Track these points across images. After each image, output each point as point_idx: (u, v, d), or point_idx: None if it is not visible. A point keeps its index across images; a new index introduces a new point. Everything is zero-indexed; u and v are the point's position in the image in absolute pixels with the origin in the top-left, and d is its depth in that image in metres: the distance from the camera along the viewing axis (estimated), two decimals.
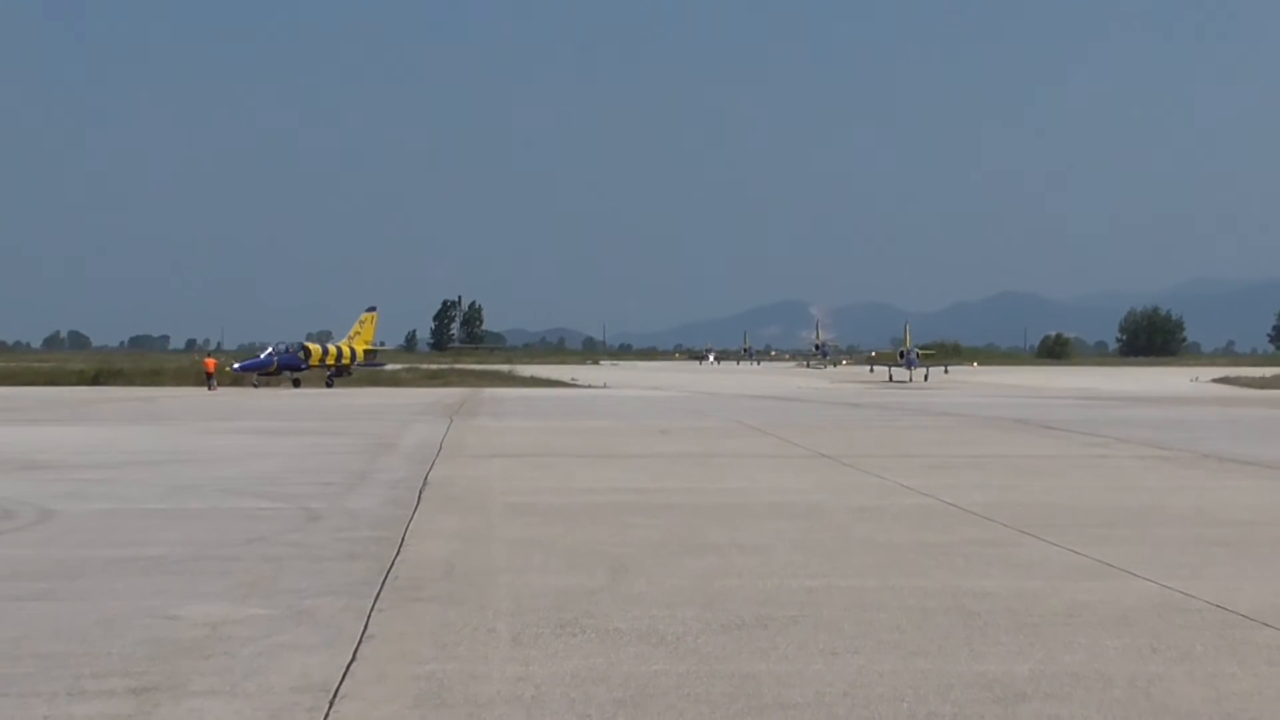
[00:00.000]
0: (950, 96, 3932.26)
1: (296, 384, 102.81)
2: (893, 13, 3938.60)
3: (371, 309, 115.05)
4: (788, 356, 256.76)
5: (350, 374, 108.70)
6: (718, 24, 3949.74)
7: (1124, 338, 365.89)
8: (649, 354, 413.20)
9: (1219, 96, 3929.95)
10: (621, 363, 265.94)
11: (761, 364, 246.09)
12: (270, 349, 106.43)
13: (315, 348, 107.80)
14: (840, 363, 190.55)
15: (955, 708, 11.04)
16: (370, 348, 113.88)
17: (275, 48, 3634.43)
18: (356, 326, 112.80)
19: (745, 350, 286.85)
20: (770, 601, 15.46)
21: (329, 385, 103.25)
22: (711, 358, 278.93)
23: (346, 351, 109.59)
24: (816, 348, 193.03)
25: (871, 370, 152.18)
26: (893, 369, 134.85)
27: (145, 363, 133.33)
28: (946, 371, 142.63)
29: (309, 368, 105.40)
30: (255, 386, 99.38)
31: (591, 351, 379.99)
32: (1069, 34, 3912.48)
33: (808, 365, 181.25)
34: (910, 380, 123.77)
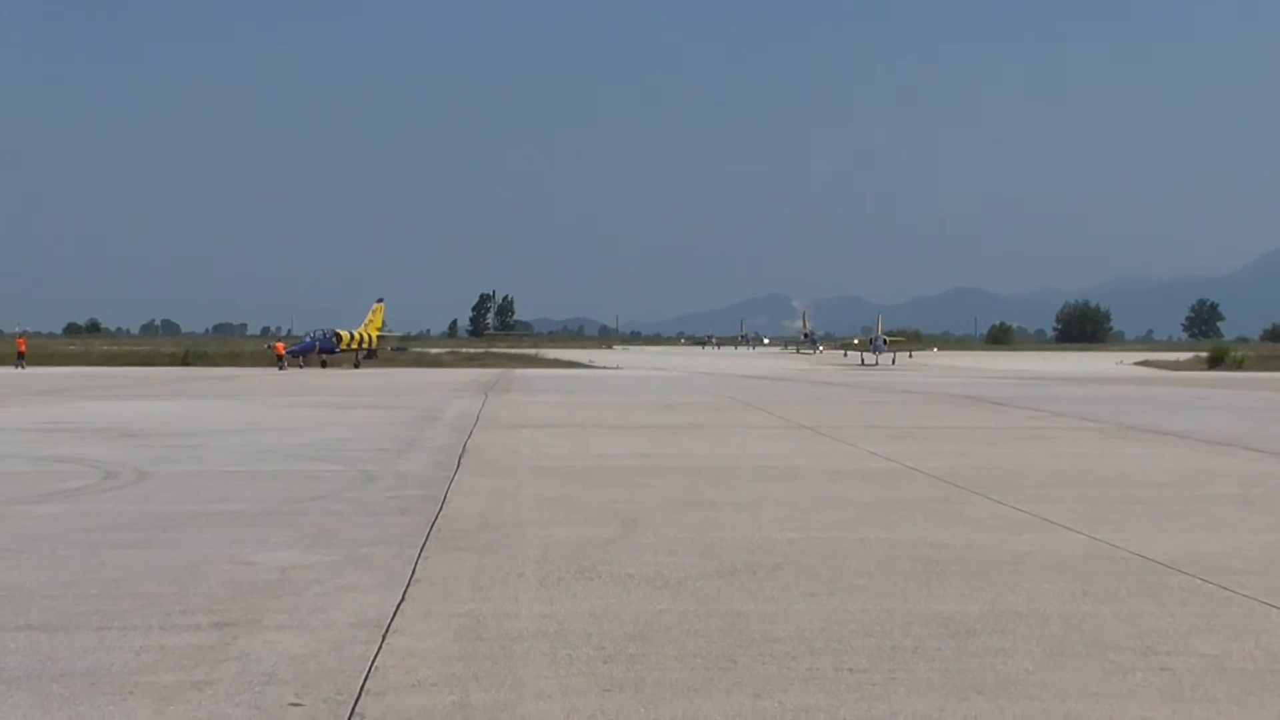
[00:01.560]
0: (913, 112, 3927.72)
1: (324, 365, 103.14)
2: (876, 19, 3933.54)
3: (380, 300, 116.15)
4: (782, 344, 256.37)
5: (376, 356, 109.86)
6: (699, 39, 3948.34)
7: (1059, 327, 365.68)
8: (655, 340, 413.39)
9: (1139, 108, 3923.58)
10: (632, 347, 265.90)
11: (756, 349, 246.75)
12: (309, 335, 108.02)
13: (345, 334, 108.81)
14: (818, 349, 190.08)
15: (915, 641, 11.03)
16: (382, 334, 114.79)
17: (353, 43, 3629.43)
18: (370, 315, 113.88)
19: (743, 337, 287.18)
20: (758, 550, 15.45)
21: (356, 366, 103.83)
22: (714, 343, 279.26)
23: (367, 337, 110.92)
24: (806, 336, 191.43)
25: (845, 355, 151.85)
26: (864, 354, 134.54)
27: (226, 346, 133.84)
28: (911, 356, 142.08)
29: (340, 352, 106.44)
30: (300, 368, 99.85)
31: (606, 338, 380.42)
32: (1001, 55, 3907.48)
33: (798, 352, 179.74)
34: (877, 364, 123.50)
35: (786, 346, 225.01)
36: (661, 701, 9.33)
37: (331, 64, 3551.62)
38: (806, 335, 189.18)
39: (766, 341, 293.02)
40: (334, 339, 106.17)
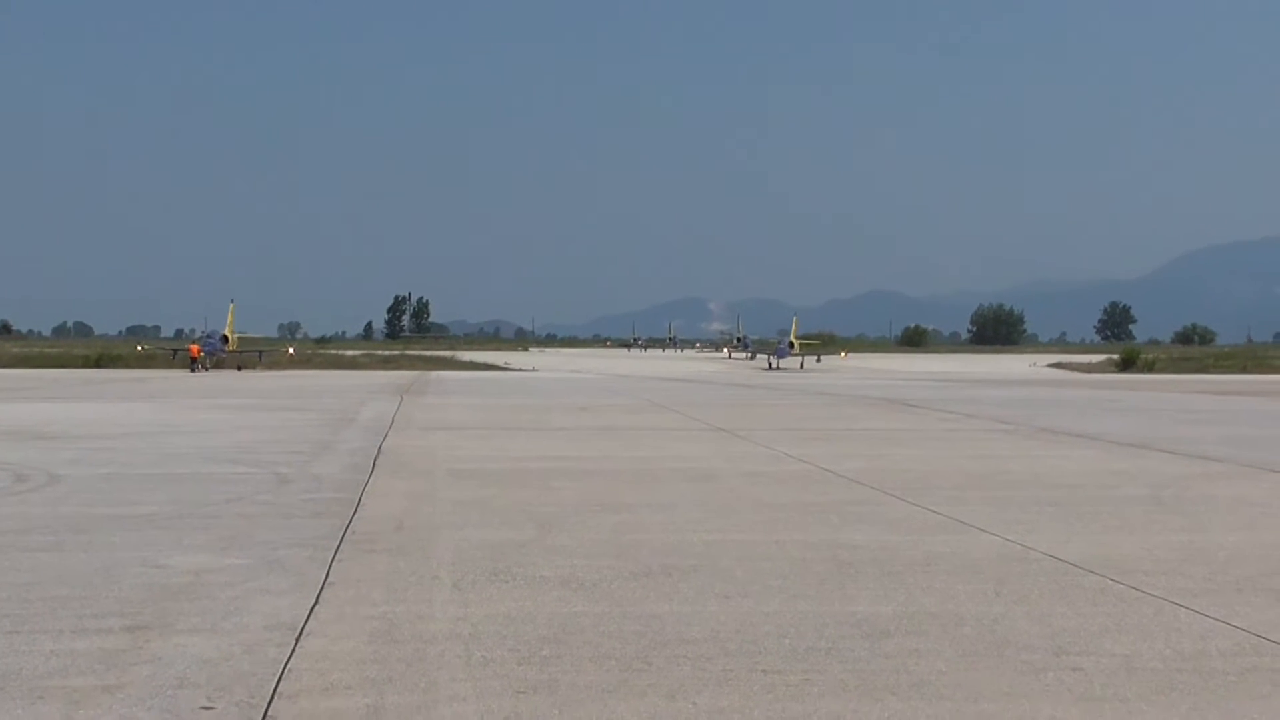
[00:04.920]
0: (829, 114, 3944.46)
1: (207, 369, 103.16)
2: (791, 20, 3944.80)
3: (231, 301, 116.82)
4: (713, 346, 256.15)
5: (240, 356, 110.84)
6: (633, 37, 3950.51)
7: (974, 329, 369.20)
8: (572, 342, 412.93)
9: (1054, 113, 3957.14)
10: (549, 350, 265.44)
11: (684, 351, 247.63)
12: (203, 335, 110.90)
13: (231, 335, 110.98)
14: (725, 351, 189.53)
15: (830, 643, 11.07)
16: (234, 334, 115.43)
17: (226, 49, 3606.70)
18: (229, 318, 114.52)
19: (671, 339, 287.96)
20: (674, 552, 15.47)
21: (239, 369, 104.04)
22: (641, 345, 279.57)
23: (232, 339, 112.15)
24: (738, 340, 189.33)
25: (753, 357, 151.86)
26: (770, 358, 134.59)
27: (146, 348, 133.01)
28: (819, 360, 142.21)
29: (227, 353, 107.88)
30: (208, 370, 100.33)
31: (523, 340, 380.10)
32: (916, 58, 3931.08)
33: (729, 356, 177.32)
34: (780, 367, 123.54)
35: (719, 349, 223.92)
36: (576, 703, 9.33)
37: (234, 60, 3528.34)
38: (739, 339, 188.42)
39: (698, 346, 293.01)
40: (221, 340, 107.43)
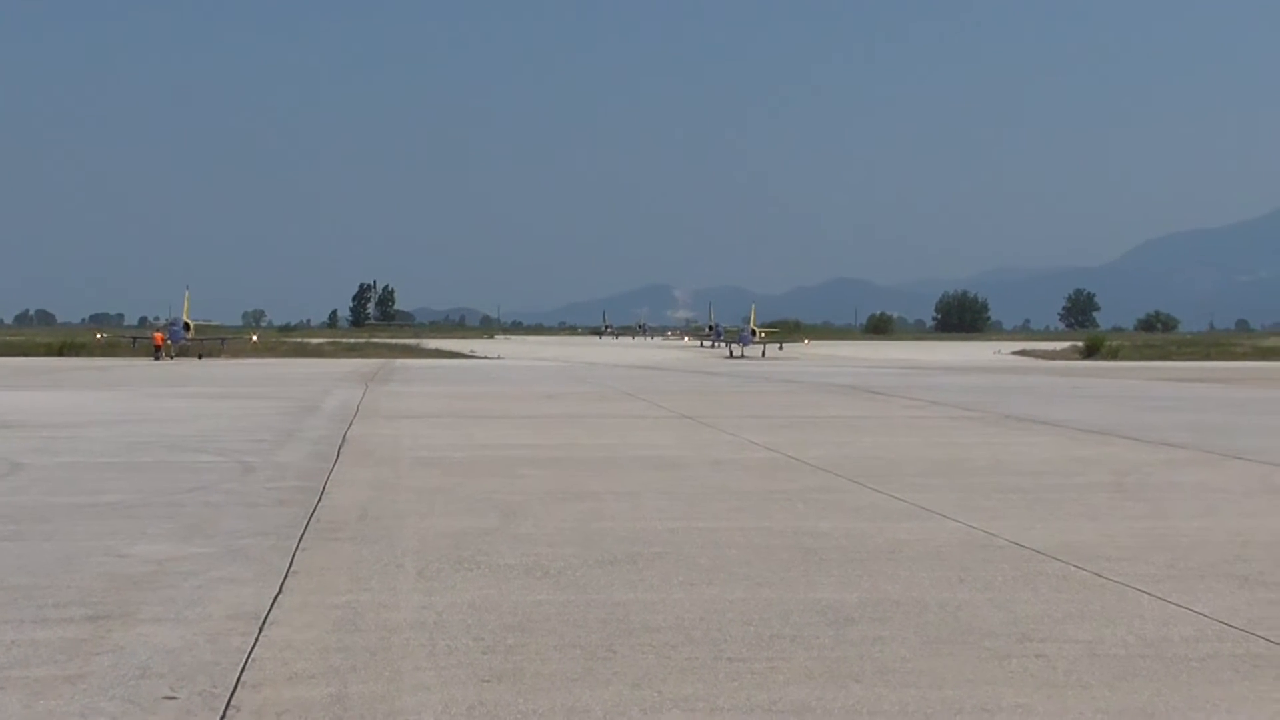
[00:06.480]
0: (794, 102, 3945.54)
1: (172, 357, 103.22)
2: (751, 10, 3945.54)
3: (187, 288, 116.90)
4: (679, 334, 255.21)
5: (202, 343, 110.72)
6: (600, 26, 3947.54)
7: (939, 316, 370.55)
8: (538, 330, 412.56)
9: (1016, 100, 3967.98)
10: (514, 337, 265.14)
11: (654, 339, 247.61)
12: (167, 324, 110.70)
13: (191, 323, 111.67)
14: (685, 339, 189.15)
15: (795, 630, 11.08)
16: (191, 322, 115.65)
17: (182, 41, 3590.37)
18: (185, 305, 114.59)
19: (640, 326, 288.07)
20: (639, 540, 15.47)
21: (199, 357, 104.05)
22: (612, 333, 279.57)
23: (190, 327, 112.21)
24: (710, 328, 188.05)
25: (715, 346, 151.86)
26: (731, 345, 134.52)
27: (105, 336, 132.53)
28: (781, 348, 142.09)
29: (189, 341, 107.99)
30: (173, 358, 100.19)
31: (488, 328, 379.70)
32: (878, 45, 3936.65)
33: (701, 345, 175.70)
34: (743, 356, 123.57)
35: (686, 339, 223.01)
36: (540, 692, 9.32)
37: (193, 46, 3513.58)
38: (712, 327, 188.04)
39: (669, 334, 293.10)
40: (183, 328, 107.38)
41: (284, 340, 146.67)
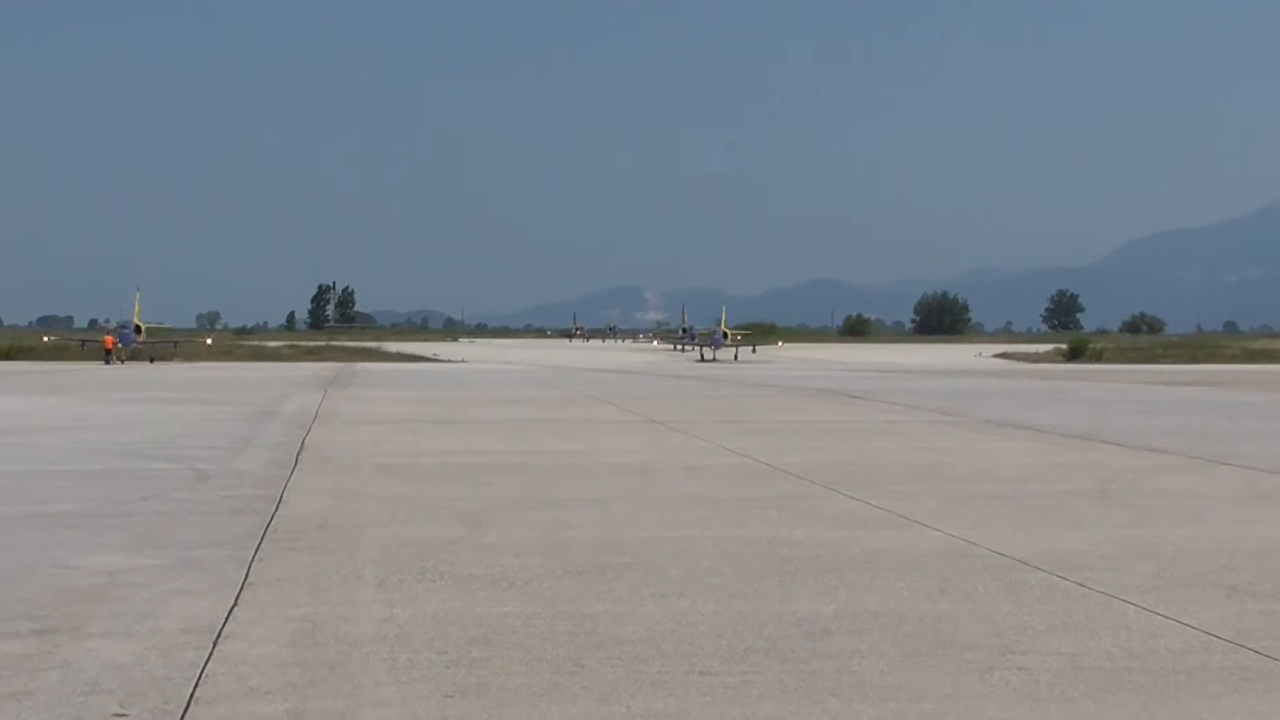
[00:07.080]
0: (770, 102, 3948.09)
1: (121, 359, 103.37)
2: (726, 9, 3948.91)
3: (138, 289, 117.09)
4: (650, 336, 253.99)
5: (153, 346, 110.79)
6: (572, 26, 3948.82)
7: (918, 318, 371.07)
8: (503, 332, 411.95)
9: (995, 99, 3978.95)
10: (478, 340, 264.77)
11: (624, 342, 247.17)
12: (118, 327, 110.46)
13: (143, 325, 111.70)
14: (654, 341, 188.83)
15: (769, 643, 11.06)
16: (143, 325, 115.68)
17: (134, 32, 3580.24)
18: (136, 307, 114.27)
19: (611, 329, 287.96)
20: (608, 550, 15.45)
21: (152, 361, 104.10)
22: (582, 335, 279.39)
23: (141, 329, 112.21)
24: (684, 330, 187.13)
25: (685, 349, 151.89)
26: (702, 348, 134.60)
27: (51, 339, 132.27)
28: (754, 350, 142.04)
29: (140, 344, 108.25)
30: (124, 362, 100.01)
31: (452, 330, 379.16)
32: (857, 46, 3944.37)
33: (673, 348, 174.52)
34: (715, 359, 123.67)
35: (656, 341, 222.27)
36: (506, 707, 9.29)
37: (146, 43, 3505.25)
38: (685, 329, 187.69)
39: (640, 336, 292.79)
40: (134, 330, 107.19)
41: (240, 343, 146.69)
